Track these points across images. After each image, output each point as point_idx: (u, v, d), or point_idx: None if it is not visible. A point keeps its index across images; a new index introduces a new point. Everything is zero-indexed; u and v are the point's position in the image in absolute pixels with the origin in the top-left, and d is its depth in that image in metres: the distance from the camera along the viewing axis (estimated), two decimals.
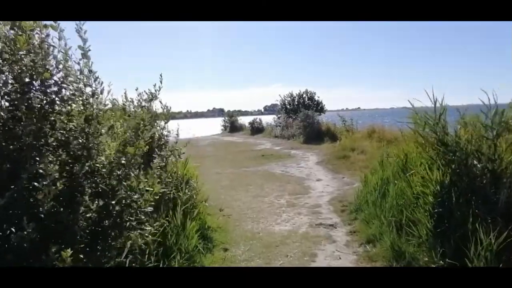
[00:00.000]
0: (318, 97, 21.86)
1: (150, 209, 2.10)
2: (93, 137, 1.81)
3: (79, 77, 1.86)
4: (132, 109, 3.84)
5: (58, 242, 1.49)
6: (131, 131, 2.13)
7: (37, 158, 1.59)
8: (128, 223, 1.90)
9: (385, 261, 3.15)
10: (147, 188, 2.05)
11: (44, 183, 1.46)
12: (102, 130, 2.02)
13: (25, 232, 1.38)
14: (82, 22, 1.93)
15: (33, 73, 1.70)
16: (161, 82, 3.68)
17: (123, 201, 1.89)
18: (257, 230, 4.41)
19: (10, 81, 1.70)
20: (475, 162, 2.74)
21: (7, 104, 1.68)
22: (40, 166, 1.52)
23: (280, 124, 19.94)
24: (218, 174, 8.80)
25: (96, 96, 2.21)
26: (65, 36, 1.86)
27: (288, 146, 14.48)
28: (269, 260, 3.44)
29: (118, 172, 1.95)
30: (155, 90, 3.82)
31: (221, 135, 26.20)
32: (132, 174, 2.09)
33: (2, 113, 1.63)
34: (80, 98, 1.85)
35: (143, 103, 3.98)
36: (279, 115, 21.65)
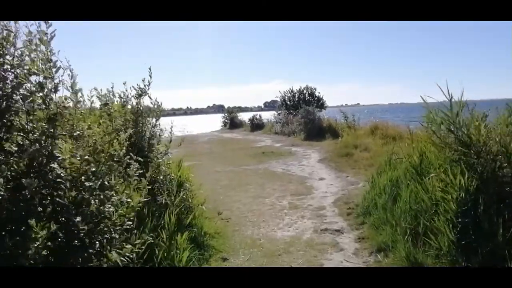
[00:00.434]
0: (319, 93, 21.52)
1: (128, 224, 1.79)
2: (53, 141, 1.49)
3: (38, 67, 1.53)
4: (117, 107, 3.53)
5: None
6: (108, 134, 1.80)
7: None
8: (98, 244, 1.59)
9: None
10: (125, 199, 1.74)
11: None
12: (75, 134, 1.70)
13: None
14: None
15: None
16: (150, 76, 3.36)
17: (94, 218, 1.57)
18: (258, 236, 4.10)
19: None
20: (505, 165, 2.42)
21: None
22: None
23: (280, 120, 19.60)
24: (217, 172, 8.49)
25: (73, 91, 1.89)
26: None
27: (288, 143, 14.15)
28: None
29: (88, 184, 1.63)
30: (145, 85, 3.50)
31: (221, 131, 25.86)
32: (108, 184, 1.78)
33: None
34: (39, 95, 1.52)
35: (132, 100, 3.66)
36: (279, 111, 21.31)
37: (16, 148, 1.48)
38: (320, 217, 4.64)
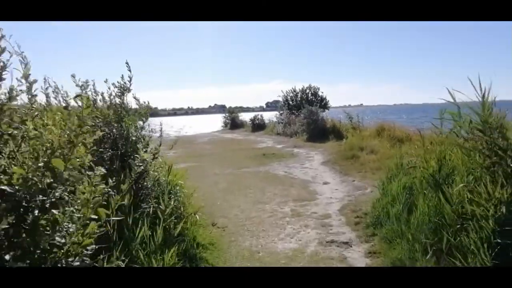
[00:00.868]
0: (322, 92, 21.06)
1: (87, 252, 1.39)
2: None
3: None
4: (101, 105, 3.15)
5: None
6: (65, 137, 1.40)
7: None
8: None
9: None
10: (80, 220, 1.34)
11: None
12: (19, 134, 1.32)
13: None
14: None
15: None
16: (129, 71, 2.97)
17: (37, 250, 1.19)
18: (257, 248, 3.70)
19: None
20: None
21: None
22: None
23: (282, 120, 19.15)
24: (216, 175, 8.09)
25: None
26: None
27: (291, 144, 13.74)
28: None
29: (37, 198, 1.24)
30: (125, 82, 3.11)
31: (221, 132, 25.47)
32: (68, 198, 1.39)
33: None
34: None
35: (115, 99, 3.28)
36: (281, 112, 20.87)
37: None
38: (325, 226, 4.24)
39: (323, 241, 3.77)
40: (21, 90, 1.53)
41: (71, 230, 1.35)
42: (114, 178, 1.99)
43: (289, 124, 17.48)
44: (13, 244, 1.23)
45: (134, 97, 3.11)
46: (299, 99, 20.70)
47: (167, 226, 3.15)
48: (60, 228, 1.31)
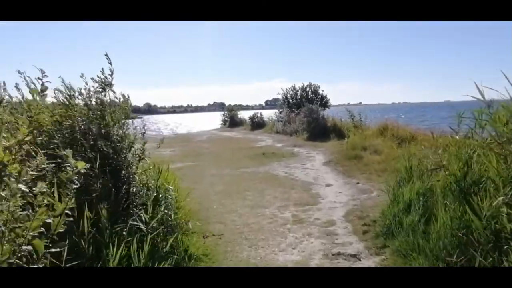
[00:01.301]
0: (323, 90, 20.65)
1: None
2: None
3: None
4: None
5: None
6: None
7: None
8: None
9: None
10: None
11: None
12: None
13: None
14: None
15: None
16: (110, 63, 2.60)
17: None
18: (255, 260, 3.34)
19: None
20: None
21: None
22: None
23: (282, 119, 18.76)
24: (213, 176, 7.72)
25: None
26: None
27: (291, 143, 13.37)
28: None
29: None
30: (105, 77, 2.74)
31: (220, 130, 25.08)
32: None
33: None
34: None
35: (94, 95, 2.90)
36: (281, 110, 20.48)
37: None
38: (330, 235, 3.87)
39: (329, 253, 3.41)
40: None
41: None
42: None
43: (289, 122, 17.11)
44: None
45: (113, 91, 2.73)
46: (299, 97, 20.30)
47: (155, 239, 2.79)
48: None
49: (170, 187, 3.19)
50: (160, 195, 3.14)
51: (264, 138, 16.50)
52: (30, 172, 1.24)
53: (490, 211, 2.20)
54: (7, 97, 2.45)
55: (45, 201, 1.25)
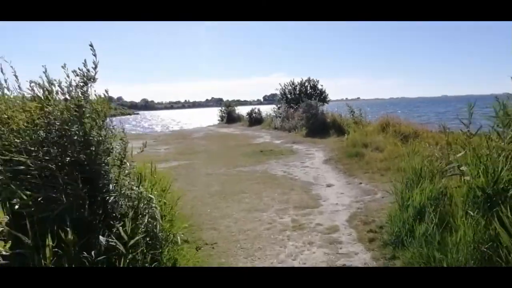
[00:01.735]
0: (321, 85, 20.30)
1: None
2: None
3: None
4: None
5: None
6: None
7: None
8: None
9: None
10: None
11: None
12: None
13: None
14: None
15: None
16: (94, 55, 2.26)
17: None
18: None
19: None
20: None
21: None
22: None
23: (280, 115, 18.41)
24: (208, 175, 7.39)
25: None
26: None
27: (289, 140, 13.03)
28: None
29: None
30: (88, 70, 2.39)
31: (217, 126, 24.70)
32: None
33: None
34: None
35: (74, 90, 2.55)
36: (279, 105, 20.12)
37: None
38: (334, 243, 3.55)
39: (332, 265, 3.09)
40: None
41: None
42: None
43: (288, 118, 16.77)
44: None
45: (91, 85, 2.37)
46: (297, 92, 19.94)
47: (136, 257, 2.45)
48: None
49: (151, 195, 2.84)
50: (142, 204, 2.79)
51: (262, 134, 16.16)
52: None
53: None
54: None
55: None
